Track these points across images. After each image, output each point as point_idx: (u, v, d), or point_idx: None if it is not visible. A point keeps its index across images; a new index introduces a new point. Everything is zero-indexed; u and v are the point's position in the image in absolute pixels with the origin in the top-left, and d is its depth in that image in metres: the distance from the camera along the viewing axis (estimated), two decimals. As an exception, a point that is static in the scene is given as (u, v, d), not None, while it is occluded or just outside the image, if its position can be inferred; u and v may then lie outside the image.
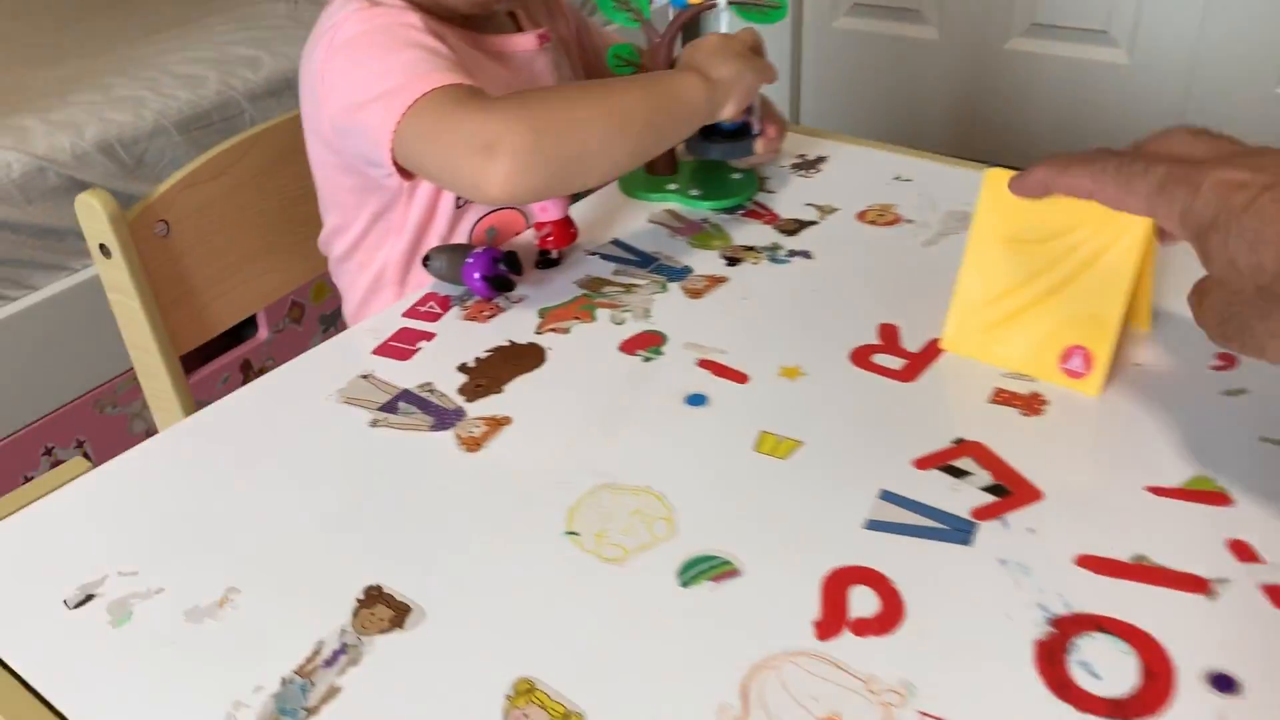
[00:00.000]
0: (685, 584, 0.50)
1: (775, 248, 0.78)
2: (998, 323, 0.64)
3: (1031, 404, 0.60)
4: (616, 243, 0.80)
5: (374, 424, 0.62)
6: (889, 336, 0.67)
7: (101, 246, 0.80)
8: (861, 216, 0.81)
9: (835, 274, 0.74)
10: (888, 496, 0.54)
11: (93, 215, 0.78)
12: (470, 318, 0.72)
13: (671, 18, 0.81)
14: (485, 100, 0.69)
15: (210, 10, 1.74)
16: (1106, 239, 0.59)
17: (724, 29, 0.80)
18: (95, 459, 0.61)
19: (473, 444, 0.60)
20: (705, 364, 0.66)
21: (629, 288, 0.74)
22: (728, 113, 0.76)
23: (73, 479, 0.59)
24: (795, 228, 0.81)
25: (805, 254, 0.77)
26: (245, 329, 1.50)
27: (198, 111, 1.43)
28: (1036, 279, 0.62)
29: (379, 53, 0.73)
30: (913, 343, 0.67)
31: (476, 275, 0.72)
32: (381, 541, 0.54)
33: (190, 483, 0.59)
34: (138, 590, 0.52)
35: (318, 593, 0.51)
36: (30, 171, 1.27)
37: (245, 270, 0.89)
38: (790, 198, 0.85)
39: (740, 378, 0.64)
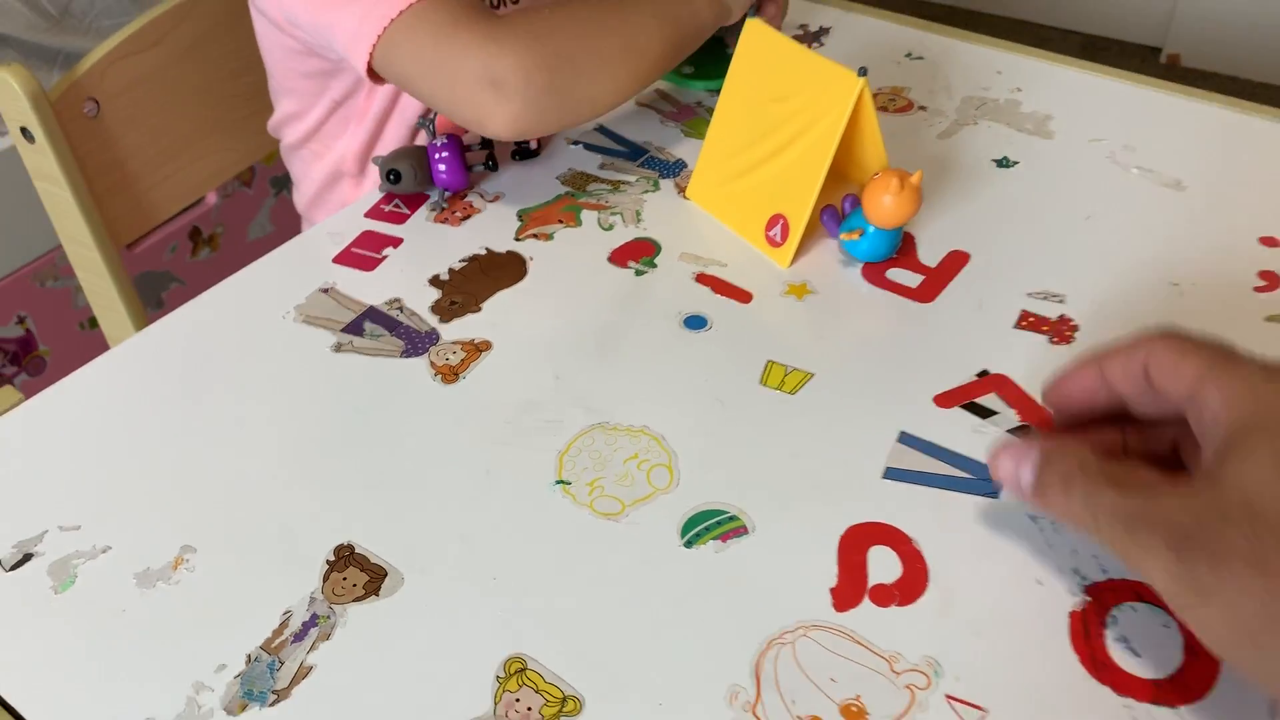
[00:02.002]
0: (689, 544, 0.46)
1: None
2: (729, 179, 0.64)
3: (1060, 330, 0.55)
4: (602, 129, 0.72)
5: (338, 348, 0.56)
6: (905, 247, 0.61)
7: (24, 130, 0.71)
8: (874, 99, 0.74)
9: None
10: (907, 440, 0.50)
11: (10, 95, 0.69)
12: (442, 220, 0.65)
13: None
14: (490, 22, 0.60)
15: None
16: (821, 107, 0.58)
17: None
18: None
19: (449, 374, 0.54)
20: (704, 279, 0.60)
21: (617, 185, 0.67)
22: (734, 18, 0.68)
23: (1, 414, 0.53)
24: (798, 114, 0.73)
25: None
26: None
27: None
28: (764, 140, 0.61)
29: None
30: (930, 255, 0.61)
31: (443, 168, 0.64)
32: (351, 492, 0.48)
33: (135, 420, 0.53)
34: (82, 548, 0.46)
35: (282, 552, 0.46)
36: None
37: (188, 152, 0.81)
38: (791, 77, 0.77)
39: (744, 296, 0.59)
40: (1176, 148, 0.68)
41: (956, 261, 0.60)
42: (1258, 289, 0.57)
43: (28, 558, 0.46)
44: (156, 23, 0.76)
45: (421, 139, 0.69)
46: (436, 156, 0.64)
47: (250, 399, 0.54)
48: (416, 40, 0.61)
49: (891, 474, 0.48)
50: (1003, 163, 0.68)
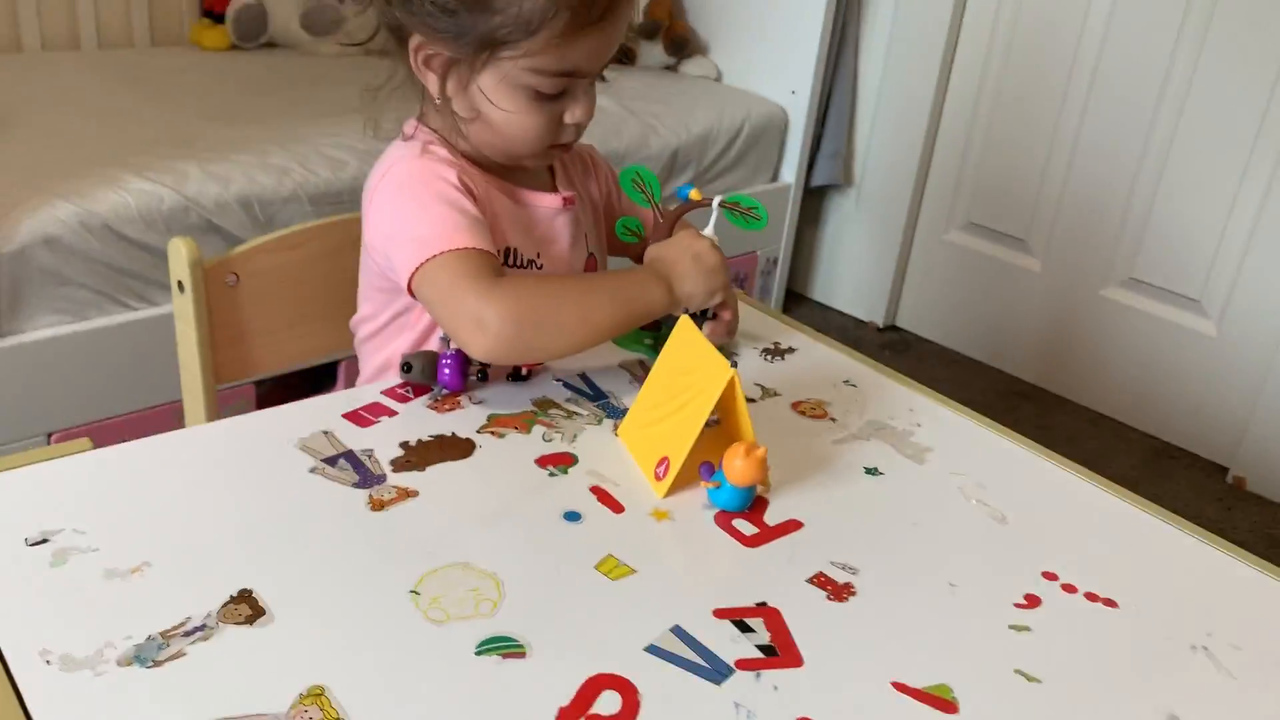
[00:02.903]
0: (479, 653, 0.61)
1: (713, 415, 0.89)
2: (643, 426, 0.83)
3: (840, 592, 0.70)
4: (583, 375, 0.93)
5: (312, 470, 0.76)
6: (757, 506, 0.78)
7: (179, 282, 0.98)
8: (796, 406, 0.93)
9: (746, 447, 0.85)
10: (677, 631, 0.65)
11: (177, 256, 0.96)
12: (433, 408, 0.86)
13: (674, 207, 0.96)
14: (489, 280, 0.85)
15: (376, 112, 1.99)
16: (706, 384, 0.78)
17: (709, 229, 0.94)
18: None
19: (378, 505, 0.73)
20: (595, 490, 0.78)
21: (571, 414, 0.87)
22: (691, 308, 0.92)
23: (72, 454, 0.75)
24: (735, 401, 0.92)
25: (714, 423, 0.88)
26: (325, 382, 1.69)
27: (331, 190, 1.66)
28: (669, 401, 0.81)
29: (416, 202, 0.90)
30: (774, 517, 0.77)
31: (447, 371, 0.86)
32: (273, 557, 0.67)
33: (154, 479, 0.74)
34: (78, 545, 0.66)
35: (206, 582, 0.64)
36: (176, 208, 1.50)
37: (291, 331, 1.06)
38: (744, 376, 0.97)
39: (617, 508, 0.76)
40: (1020, 491, 0.83)
41: (790, 526, 0.76)
42: (1016, 604, 0.70)
43: (44, 540, 0.66)
44: (298, 233, 1.04)
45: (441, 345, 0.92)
46: (443, 361, 0.86)
47: (239, 484, 0.74)
48: (439, 280, 0.86)
49: (651, 649, 0.63)
50: (871, 471, 0.84)
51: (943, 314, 2.63)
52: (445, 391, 0.88)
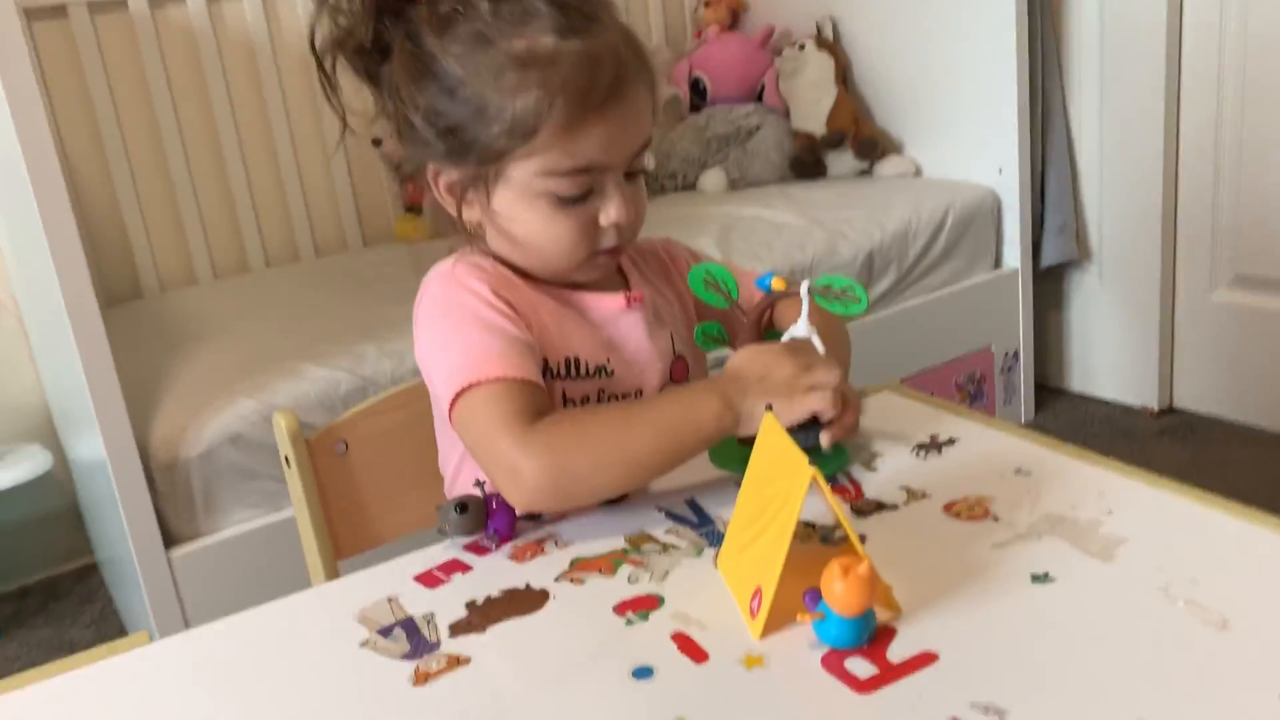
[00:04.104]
0: None
1: (832, 529, 0.74)
2: (738, 552, 0.69)
3: (979, 744, 0.52)
4: (690, 502, 0.81)
5: (363, 644, 0.68)
6: (881, 639, 0.61)
7: (285, 458, 0.95)
8: (949, 508, 0.75)
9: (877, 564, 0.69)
10: (747, 815, 0.49)
11: (280, 432, 0.94)
12: (514, 557, 0.76)
13: (758, 301, 0.83)
14: (523, 425, 0.77)
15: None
16: (789, 492, 0.63)
17: (802, 322, 0.80)
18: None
19: (422, 678, 0.63)
20: (677, 637, 0.64)
21: (667, 548, 0.75)
22: (748, 430, 0.77)
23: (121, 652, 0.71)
24: (871, 510, 0.76)
25: (861, 538, 0.72)
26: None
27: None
28: (758, 519, 0.67)
29: (447, 326, 0.83)
30: (904, 649, 0.60)
31: (493, 529, 0.78)
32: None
33: (194, 676, 0.68)
34: (97, 752, 0.60)
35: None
36: (354, 390, 1.53)
37: (415, 493, 1.00)
38: (889, 478, 0.80)
39: (700, 656, 0.62)
40: (1249, 587, 0.61)
41: (920, 661, 0.59)
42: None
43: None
44: (404, 393, 0.99)
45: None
46: (493, 504, 0.77)
47: (279, 671, 0.66)
48: (474, 421, 0.79)
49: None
50: (1040, 578, 0.65)
51: (1227, 385, 2.26)
52: (497, 536, 0.78)
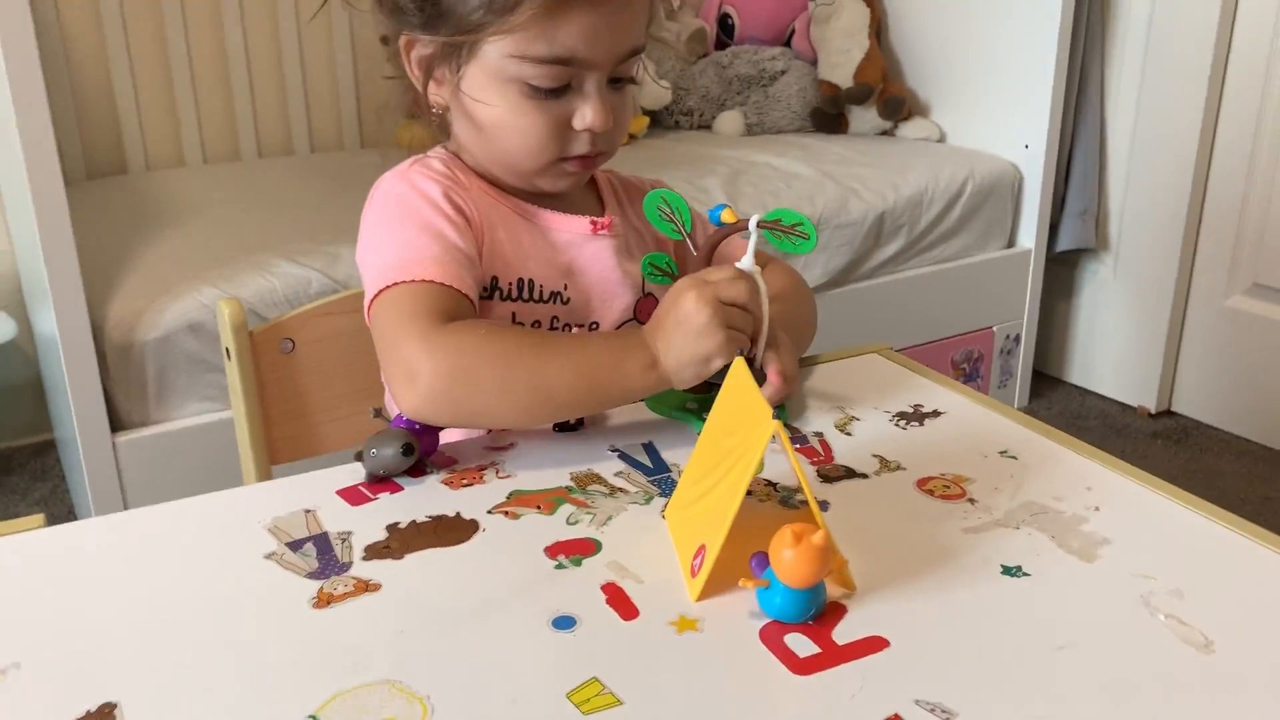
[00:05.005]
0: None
1: (793, 491, 0.68)
2: (686, 505, 0.63)
3: (919, 747, 0.46)
4: (647, 445, 0.74)
5: (268, 556, 0.62)
6: (828, 616, 0.55)
7: (226, 349, 0.88)
8: (923, 483, 0.69)
9: (836, 535, 0.63)
10: (649, 796, 0.44)
11: (222, 319, 0.87)
12: (448, 483, 0.70)
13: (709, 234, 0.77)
14: (433, 325, 0.71)
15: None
16: (748, 445, 0.57)
17: (747, 257, 0.73)
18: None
19: (324, 600, 0.57)
20: (608, 588, 0.58)
21: (614, 491, 0.68)
22: (681, 385, 0.72)
23: (17, 532, 0.65)
24: (839, 476, 0.70)
25: (823, 505, 0.67)
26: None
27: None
28: (712, 472, 0.61)
29: (386, 226, 0.78)
30: (848, 633, 0.54)
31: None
32: (160, 665, 0.52)
33: (82, 563, 0.62)
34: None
35: (70, 691, 0.50)
36: (324, 291, 1.46)
37: (355, 404, 0.94)
38: (863, 444, 0.74)
39: (630, 612, 0.56)
40: (1239, 604, 0.56)
41: (868, 645, 0.53)
42: None
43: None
44: (361, 296, 0.93)
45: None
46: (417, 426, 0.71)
47: (174, 571, 0.61)
48: (386, 316, 0.73)
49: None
50: (1011, 571, 0.59)
51: (1229, 395, 2.20)
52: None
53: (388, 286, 0.74)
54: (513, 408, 0.71)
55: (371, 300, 0.75)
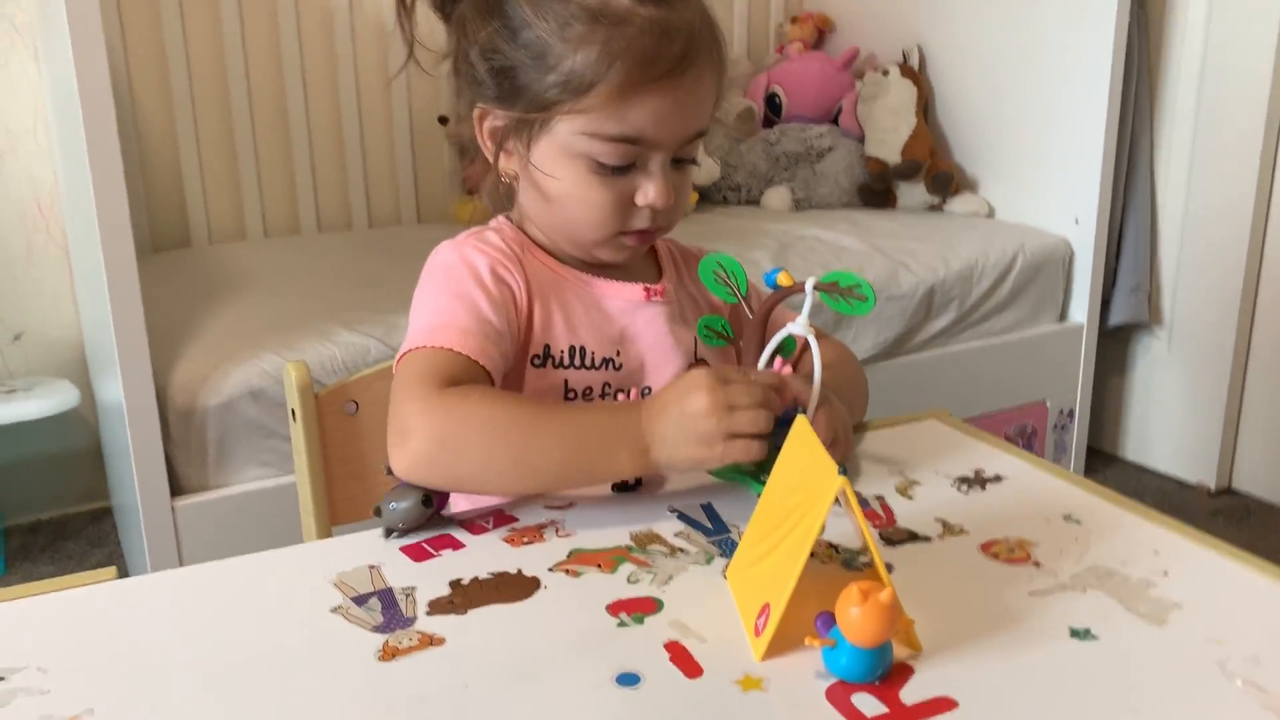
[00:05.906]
0: None
1: (856, 553, 0.68)
2: (749, 565, 0.63)
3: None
4: (706, 506, 0.75)
5: (334, 610, 0.63)
6: (897, 676, 0.55)
7: (292, 410, 0.90)
8: (987, 547, 0.69)
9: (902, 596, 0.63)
10: None
11: (289, 382, 0.89)
12: (510, 540, 0.71)
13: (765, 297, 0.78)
14: (437, 390, 0.72)
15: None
16: (812, 502, 0.57)
17: (803, 318, 0.74)
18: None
19: (390, 654, 0.58)
20: (671, 646, 0.58)
21: (675, 551, 0.69)
22: (671, 472, 0.74)
23: (89, 584, 0.66)
24: (902, 539, 0.70)
25: (887, 567, 0.66)
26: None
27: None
28: (775, 530, 0.60)
29: (433, 289, 0.81)
30: (920, 691, 0.54)
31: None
32: (228, 713, 0.53)
33: (150, 617, 0.63)
34: (31, 686, 0.56)
35: None
36: (382, 358, 1.48)
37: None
38: (925, 509, 0.74)
39: (694, 670, 0.56)
40: (1322, 675, 0.54)
41: (936, 707, 0.53)
42: None
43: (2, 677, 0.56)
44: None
45: None
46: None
47: (239, 626, 0.61)
48: (399, 378, 0.75)
49: None
50: (1080, 634, 0.58)
51: (1293, 469, 2.15)
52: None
53: (412, 349, 0.76)
54: (498, 476, 0.72)
55: (398, 361, 0.77)
